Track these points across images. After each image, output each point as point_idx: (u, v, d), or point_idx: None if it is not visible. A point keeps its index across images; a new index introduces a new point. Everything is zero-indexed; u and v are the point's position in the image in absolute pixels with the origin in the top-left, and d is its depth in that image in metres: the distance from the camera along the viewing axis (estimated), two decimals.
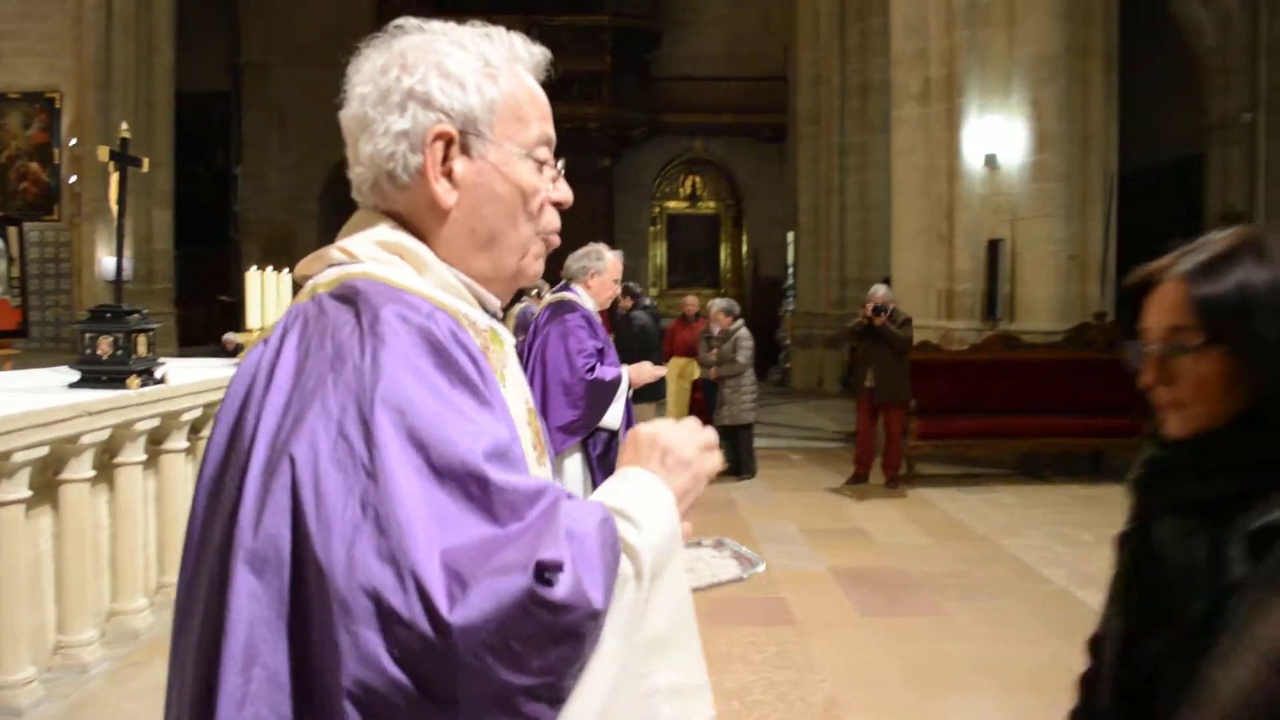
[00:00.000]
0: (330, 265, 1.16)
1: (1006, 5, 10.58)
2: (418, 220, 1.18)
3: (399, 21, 1.23)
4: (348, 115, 1.19)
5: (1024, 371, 10.21)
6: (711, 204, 25.03)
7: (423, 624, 0.87)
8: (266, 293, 6.54)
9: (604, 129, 22.15)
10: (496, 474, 0.96)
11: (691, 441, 1.20)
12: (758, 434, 10.68)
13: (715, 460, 1.22)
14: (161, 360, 5.23)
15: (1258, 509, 1.23)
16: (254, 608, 0.93)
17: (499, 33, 1.23)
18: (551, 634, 0.91)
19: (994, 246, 10.82)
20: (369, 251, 1.15)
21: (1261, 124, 16.24)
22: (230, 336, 15.50)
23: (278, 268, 6.75)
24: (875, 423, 9.58)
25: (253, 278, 6.44)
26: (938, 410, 9.97)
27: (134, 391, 4.73)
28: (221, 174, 22.92)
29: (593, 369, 4.62)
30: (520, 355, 2.56)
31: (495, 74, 1.18)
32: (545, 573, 0.91)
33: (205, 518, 1.03)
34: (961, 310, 11.15)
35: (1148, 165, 17.16)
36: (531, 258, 1.24)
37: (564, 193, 1.26)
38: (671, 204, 24.94)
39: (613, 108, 22.17)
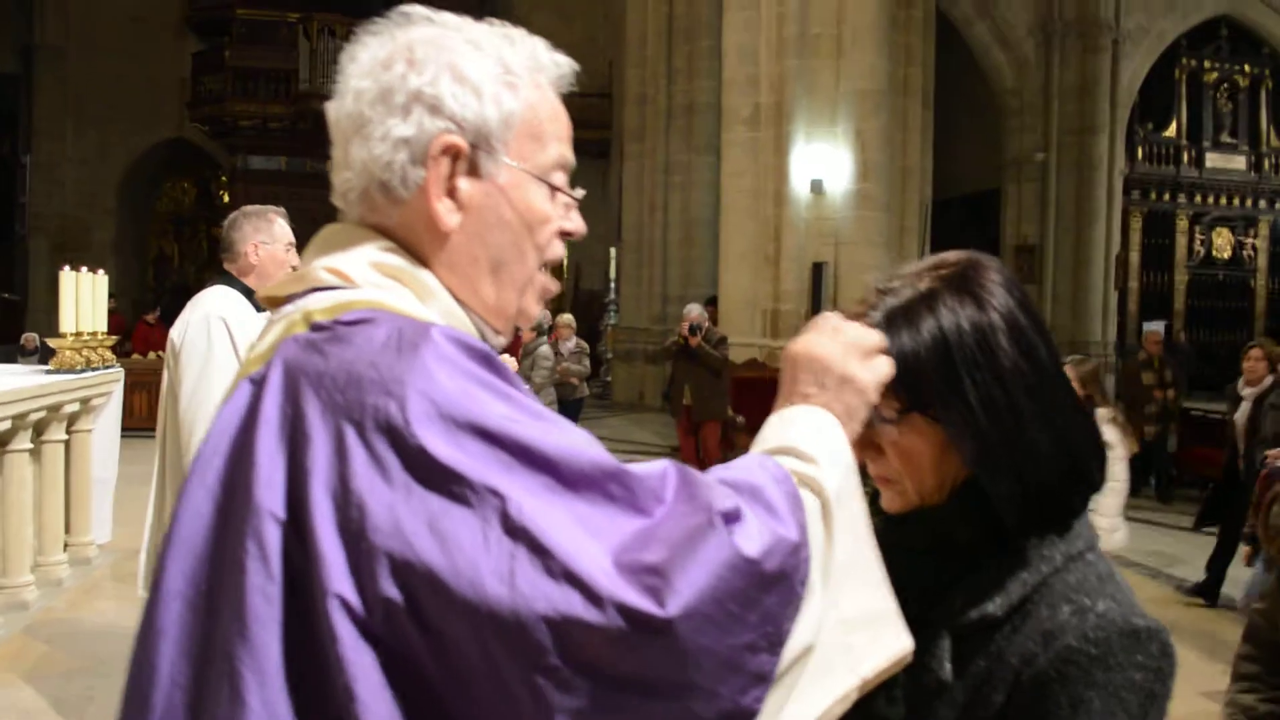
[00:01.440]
0: (316, 289, 0.98)
1: (834, 39, 11.02)
2: (412, 239, 1.01)
3: (406, 8, 1.06)
4: (340, 111, 1.02)
5: None
6: None
7: (633, 631, 0.77)
8: (81, 295, 6.08)
9: None
10: (629, 466, 0.86)
11: (849, 353, 1.04)
12: None
13: (882, 366, 1.04)
14: None
15: (961, 600, 1.06)
16: (387, 695, 0.80)
17: (520, 35, 1.07)
18: (762, 583, 0.83)
19: (818, 269, 11.22)
20: (364, 275, 0.98)
21: (1053, 163, 17.48)
22: (31, 336, 14.44)
23: (74, 266, 6.21)
24: (695, 439, 9.68)
25: (66, 280, 5.97)
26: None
27: None
28: (7, 163, 21.29)
29: None
30: None
31: (516, 83, 1.02)
32: (729, 518, 0.83)
33: (199, 597, 0.87)
34: (786, 329, 11.49)
35: (952, 196, 18.16)
36: (532, 298, 1.08)
37: (577, 223, 1.09)
38: None
39: None
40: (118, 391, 6.43)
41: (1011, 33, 17.70)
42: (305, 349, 0.89)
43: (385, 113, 0.98)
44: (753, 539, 0.83)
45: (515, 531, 0.78)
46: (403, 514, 0.79)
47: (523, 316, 1.08)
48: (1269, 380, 6.81)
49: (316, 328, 0.91)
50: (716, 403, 9.55)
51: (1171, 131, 19.68)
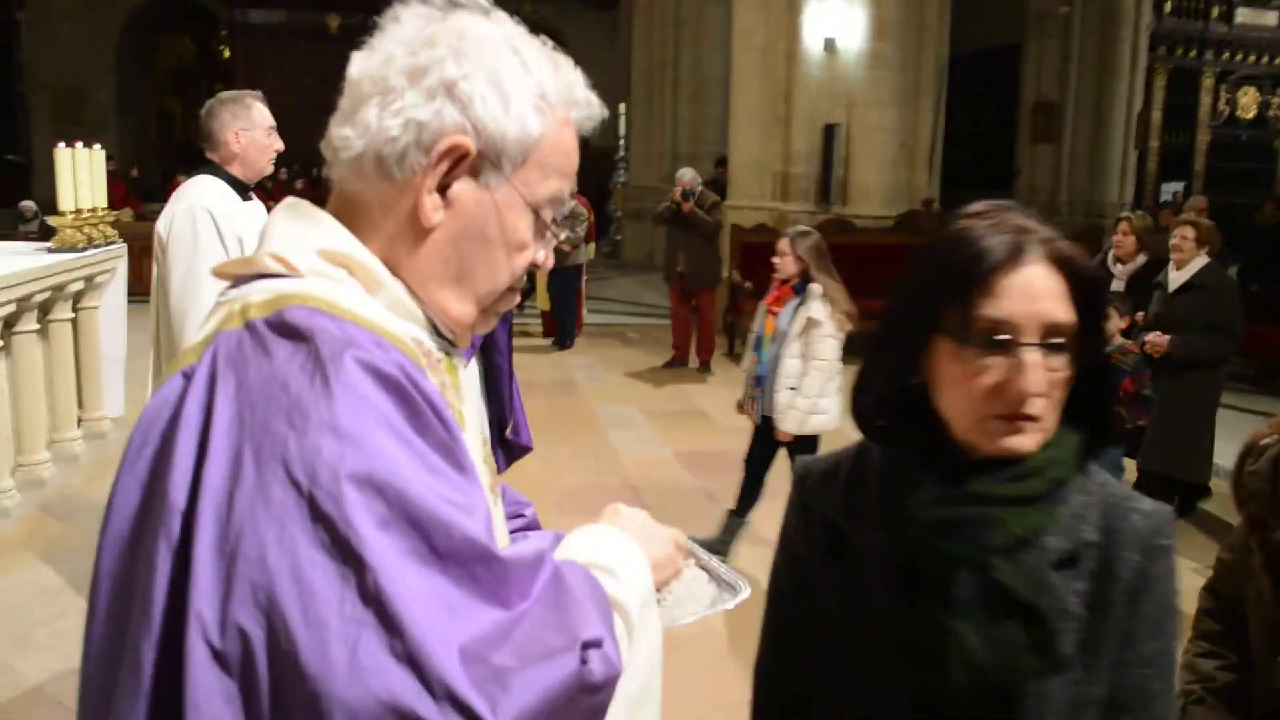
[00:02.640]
0: (261, 275, 0.96)
1: None
2: (385, 224, 0.99)
3: None
4: (365, 70, 0.99)
5: (857, 255, 10.49)
6: None
7: None
8: (79, 171, 5.99)
9: None
10: (501, 551, 0.86)
11: (668, 540, 1.19)
12: (591, 310, 10.79)
13: (679, 560, 1.21)
14: None
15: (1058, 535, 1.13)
16: (226, 714, 0.80)
17: (565, 64, 1.06)
18: (591, 707, 0.88)
19: (830, 131, 10.99)
20: (310, 263, 0.96)
21: (1077, 18, 16.86)
22: (28, 204, 14.36)
23: (72, 137, 6.10)
24: (688, 307, 9.63)
25: (63, 156, 5.86)
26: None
27: None
28: (1, 20, 20.75)
29: None
30: None
31: (544, 109, 1.01)
32: (586, 651, 0.87)
33: (121, 584, 0.89)
34: (797, 194, 11.33)
35: (971, 51, 17.62)
36: (490, 314, 1.07)
37: (548, 260, 1.09)
38: None
39: None
40: (122, 267, 6.41)
41: None
42: (233, 350, 0.89)
43: (411, 87, 0.97)
44: (598, 670, 0.88)
45: (370, 600, 0.79)
46: (272, 550, 0.80)
47: (475, 330, 1.08)
48: (1141, 259, 6.13)
49: (249, 327, 0.90)
50: (710, 269, 9.49)
51: None
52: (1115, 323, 5.09)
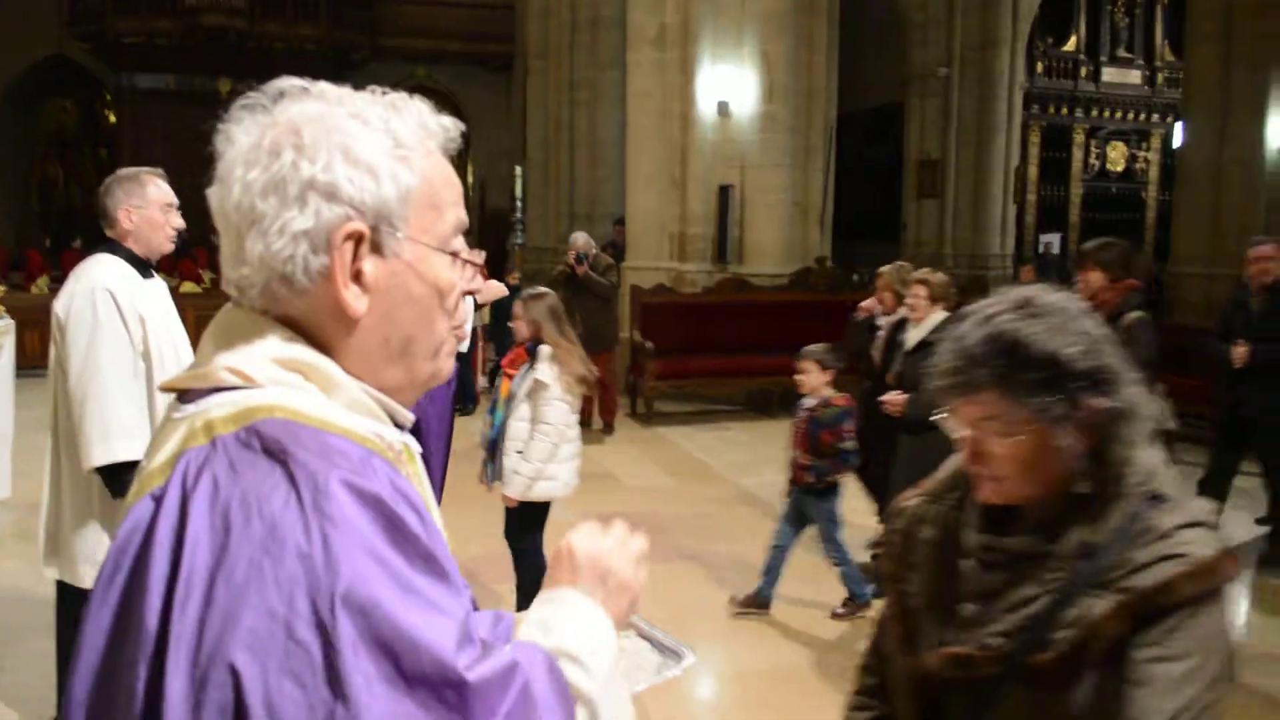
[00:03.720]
0: (218, 389, 0.96)
1: None
2: (317, 327, 1.00)
3: (280, 83, 1.02)
4: (227, 203, 0.98)
5: (754, 313, 10.75)
6: None
7: None
8: None
9: (322, 51, 20.97)
10: (470, 671, 0.87)
11: (630, 559, 1.17)
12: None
13: (645, 573, 1.19)
14: None
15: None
16: None
17: (404, 101, 1.05)
18: None
19: (725, 192, 11.24)
20: (267, 373, 0.96)
21: (955, 77, 17.61)
22: None
23: None
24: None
25: None
26: (674, 351, 10.31)
27: None
28: None
29: None
30: None
31: (408, 157, 1.01)
32: None
33: (95, 713, 0.89)
34: (694, 253, 11.52)
35: (858, 110, 18.22)
36: (444, 356, 1.08)
37: (478, 284, 1.12)
38: None
39: (332, 29, 21.05)
40: (9, 344, 6.23)
41: None
42: (203, 469, 0.89)
43: (280, 205, 0.96)
44: None
45: None
46: (244, 675, 0.81)
47: (435, 379, 1.09)
48: (901, 312, 5.82)
49: (218, 443, 0.90)
50: (608, 331, 9.59)
51: (1071, 46, 19.98)
52: (816, 376, 5.19)
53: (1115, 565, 1.39)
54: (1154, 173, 21.13)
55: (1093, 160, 20.75)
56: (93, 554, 3.42)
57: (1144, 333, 4.89)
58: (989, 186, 18.01)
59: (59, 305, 3.42)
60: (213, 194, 1.00)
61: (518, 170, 20.75)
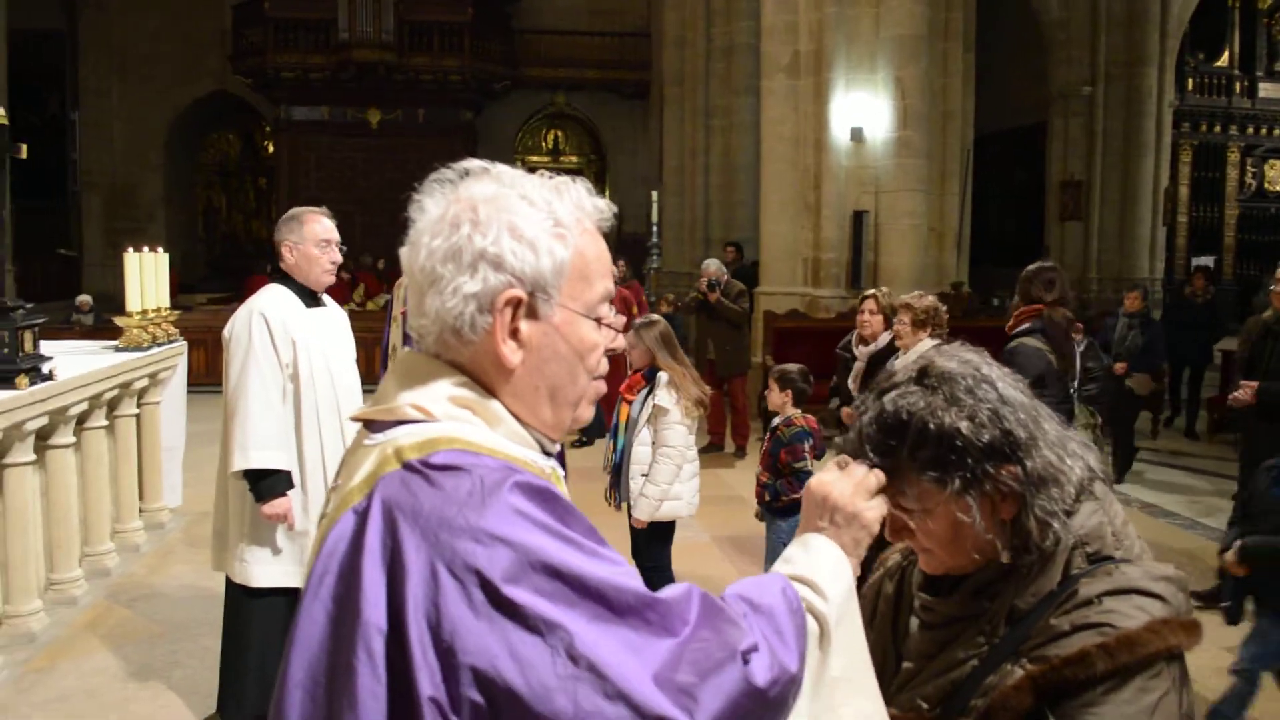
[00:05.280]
0: (402, 421, 1.16)
1: None
2: (480, 373, 1.19)
3: (467, 164, 1.23)
4: (415, 265, 1.19)
5: None
6: (574, 159, 24.99)
7: None
8: (145, 275, 6.33)
9: (466, 81, 21.81)
10: (660, 593, 1.08)
11: (856, 493, 1.34)
12: None
13: (880, 506, 1.35)
14: (48, 355, 5.05)
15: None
16: None
17: (566, 185, 1.23)
18: (765, 705, 1.09)
19: (859, 217, 11.24)
20: (443, 409, 1.16)
21: (1100, 96, 17.12)
22: (85, 298, 14.86)
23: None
24: (722, 393, 9.69)
25: (130, 261, 6.21)
26: None
27: (24, 391, 4.58)
28: (57, 120, 21.59)
29: None
30: None
31: (565, 235, 1.19)
32: (747, 656, 1.08)
33: (312, 690, 1.07)
34: (827, 279, 11.55)
35: (995, 132, 17.90)
36: (585, 404, 1.27)
37: (619, 342, 1.28)
38: (534, 158, 24.75)
39: (475, 60, 21.81)
40: (181, 363, 6.72)
41: None
42: (400, 487, 1.08)
43: (456, 270, 1.16)
44: (764, 671, 1.09)
45: (578, 659, 1.00)
46: (489, 641, 1.00)
47: (577, 423, 1.29)
48: (886, 337, 5.88)
49: (409, 467, 1.10)
50: (739, 356, 9.70)
51: (1223, 61, 19.26)
52: (775, 395, 5.15)
53: (1037, 633, 1.32)
54: None
55: (1249, 180, 19.88)
56: (254, 554, 3.76)
57: (1019, 358, 4.76)
58: (1136, 208, 17.45)
59: (227, 327, 3.79)
60: (404, 253, 1.22)
61: (654, 195, 21.05)
